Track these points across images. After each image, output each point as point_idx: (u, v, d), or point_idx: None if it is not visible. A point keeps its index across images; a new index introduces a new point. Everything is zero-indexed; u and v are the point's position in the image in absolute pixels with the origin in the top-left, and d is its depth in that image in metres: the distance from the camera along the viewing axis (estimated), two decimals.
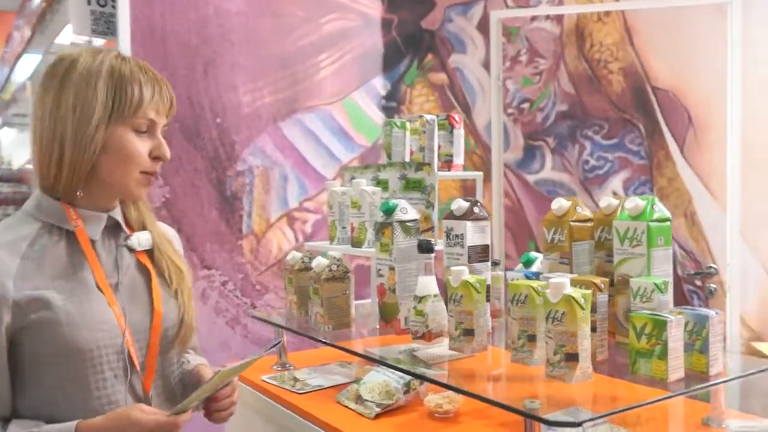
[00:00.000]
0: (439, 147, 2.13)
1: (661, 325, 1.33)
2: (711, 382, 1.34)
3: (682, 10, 3.01)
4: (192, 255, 3.08)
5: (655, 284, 1.41)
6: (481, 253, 1.74)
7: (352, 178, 2.18)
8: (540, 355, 1.43)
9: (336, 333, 1.88)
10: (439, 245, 1.81)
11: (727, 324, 2.86)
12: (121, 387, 1.21)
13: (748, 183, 2.87)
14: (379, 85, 3.57)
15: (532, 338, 1.46)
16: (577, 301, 1.32)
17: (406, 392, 1.77)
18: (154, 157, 1.25)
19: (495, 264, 1.88)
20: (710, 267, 3.03)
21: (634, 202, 1.51)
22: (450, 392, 1.72)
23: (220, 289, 3.20)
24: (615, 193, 3.14)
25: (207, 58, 3.16)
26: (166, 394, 1.30)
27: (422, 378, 1.57)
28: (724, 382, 1.36)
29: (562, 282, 1.34)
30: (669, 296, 1.44)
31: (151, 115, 1.23)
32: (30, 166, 4.75)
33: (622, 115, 3.17)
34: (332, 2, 3.45)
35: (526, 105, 3.33)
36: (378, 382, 1.79)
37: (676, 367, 1.34)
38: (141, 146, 1.23)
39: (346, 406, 1.78)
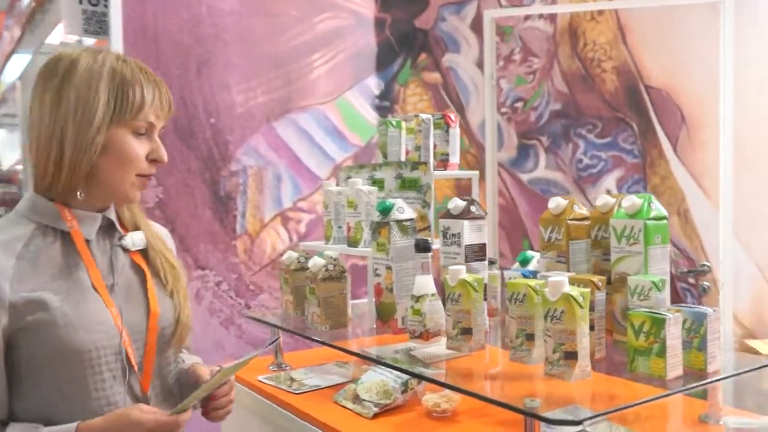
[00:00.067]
0: (435, 146, 2.13)
1: (659, 323, 1.33)
2: (710, 380, 1.34)
3: (675, 9, 3.02)
4: (186, 255, 3.07)
5: (653, 282, 1.42)
6: (478, 252, 1.74)
7: (348, 177, 2.18)
8: (538, 353, 1.43)
9: (333, 333, 1.87)
10: (435, 244, 1.80)
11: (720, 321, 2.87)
12: (120, 388, 1.20)
13: (741, 181, 2.89)
14: (373, 84, 3.57)
15: (530, 337, 1.46)
16: (576, 300, 1.32)
17: (403, 392, 1.77)
18: (151, 160, 1.25)
19: (491, 263, 1.88)
20: (703, 265, 3.05)
21: (631, 201, 1.51)
22: (448, 391, 1.72)
23: (214, 290, 3.19)
24: (609, 192, 3.15)
25: (200, 57, 3.14)
26: (163, 394, 1.30)
27: (422, 378, 1.57)
28: (723, 379, 1.36)
29: (561, 280, 1.35)
30: (666, 294, 1.44)
31: (150, 118, 1.23)
32: (20, 167, 4.72)
33: (616, 113, 3.18)
34: (325, 1, 3.44)
35: (519, 104, 3.33)
36: (375, 381, 1.79)
37: (674, 364, 1.34)
38: (139, 149, 1.23)
39: (344, 406, 1.78)
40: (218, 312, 3.20)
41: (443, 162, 2.13)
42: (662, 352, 1.33)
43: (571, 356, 1.33)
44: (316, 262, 1.91)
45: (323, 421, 1.70)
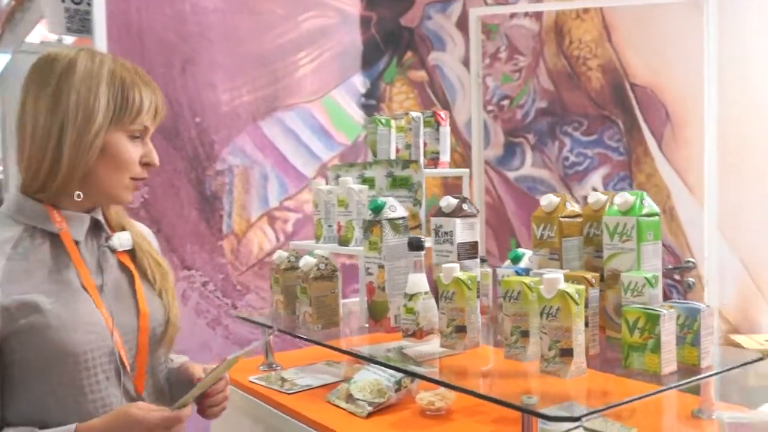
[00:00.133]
0: (425, 144, 2.13)
1: (654, 319, 1.34)
2: (705, 374, 1.35)
3: (659, 7, 3.04)
4: (172, 256, 3.04)
5: (647, 278, 1.42)
6: (470, 250, 1.74)
7: (337, 176, 2.17)
8: (533, 350, 1.44)
9: (325, 332, 1.87)
10: (427, 243, 1.80)
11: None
12: (114, 389, 1.19)
13: (725, 178, 2.92)
14: (359, 82, 3.56)
15: (525, 334, 1.46)
16: (571, 297, 1.33)
17: (397, 390, 1.76)
18: (144, 164, 1.25)
19: (482, 261, 1.88)
20: (688, 261, 3.07)
21: (624, 198, 1.51)
22: (442, 389, 1.72)
23: (200, 290, 3.16)
24: (595, 189, 3.17)
25: (185, 55, 3.12)
26: (156, 393, 1.29)
27: (420, 377, 1.56)
28: (717, 374, 1.37)
29: (556, 278, 1.35)
30: (659, 290, 1.45)
31: (147, 122, 1.24)
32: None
33: (601, 111, 3.20)
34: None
35: (506, 102, 3.34)
36: (369, 380, 1.78)
37: (668, 360, 1.35)
38: (134, 152, 1.22)
39: (338, 406, 1.77)
40: (205, 312, 3.17)
41: (433, 160, 2.13)
42: (657, 348, 1.34)
43: (567, 353, 1.33)
44: (307, 262, 1.90)
45: (318, 421, 1.69)
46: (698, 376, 1.35)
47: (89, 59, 1.19)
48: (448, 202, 1.73)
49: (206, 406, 1.30)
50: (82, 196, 1.21)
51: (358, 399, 1.74)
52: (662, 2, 3.01)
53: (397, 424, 1.67)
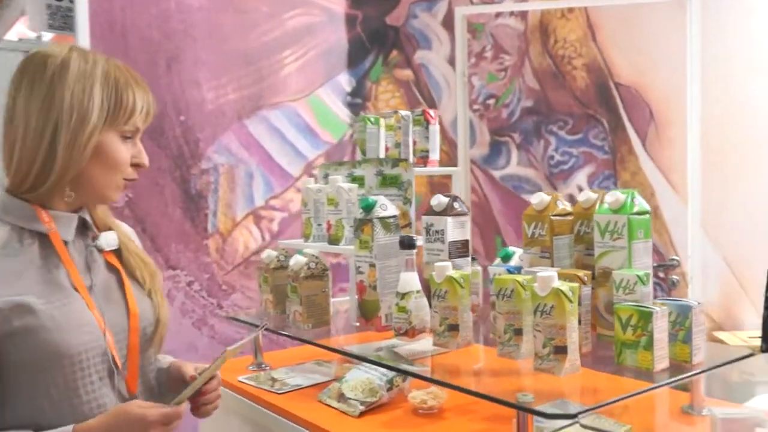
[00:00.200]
0: (415, 143, 2.13)
1: (646, 317, 1.35)
2: (697, 371, 1.37)
3: (643, 7, 3.07)
4: (156, 255, 3.02)
5: (638, 276, 1.43)
6: (461, 249, 1.74)
7: (326, 175, 2.16)
8: (527, 348, 1.44)
9: (316, 331, 1.86)
10: (418, 241, 1.80)
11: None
12: (108, 389, 1.18)
13: (709, 177, 2.95)
14: (344, 81, 3.55)
15: (518, 332, 1.46)
16: (565, 294, 1.33)
17: (389, 389, 1.76)
18: (134, 164, 1.25)
19: (472, 259, 1.89)
20: (672, 259, 3.10)
21: (615, 196, 1.52)
22: (434, 388, 1.72)
23: (185, 290, 3.14)
24: (580, 188, 3.19)
25: (169, 53, 3.09)
26: (146, 393, 1.28)
27: (414, 375, 1.56)
28: (710, 370, 1.38)
29: (550, 275, 1.35)
30: (650, 288, 1.46)
31: (139, 123, 1.23)
32: None
33: (586, 110, 3.22)
34: None
35: (491, 101, 3.35)
36: (361, 380, 1.78)
37: (661, 357, 1.36)
38: (126, 153, 1.22)
39: (329, 405, 1.76)
40: (190, 312, 3.15)
41: (423, 159, 2.13)
42: (649, 345, 1.35)
43: (561, 351, 1.34)
44: (297, 261, 1.89)
45: (309, 421, 1.68)
46: (691, 373, 1.36)
47: (82, 59, 1.18)
48: (439, 200, 1.73)
49: (200, 404, 1.30)
50: (73, 196, 1.20)
51: (350, 398, 1.74)
52: (646, 2, 3.04)
53: (390, 423, 1.67)
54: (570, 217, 1.66)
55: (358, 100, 3.55)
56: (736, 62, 2.93)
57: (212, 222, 3.20)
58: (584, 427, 1.49)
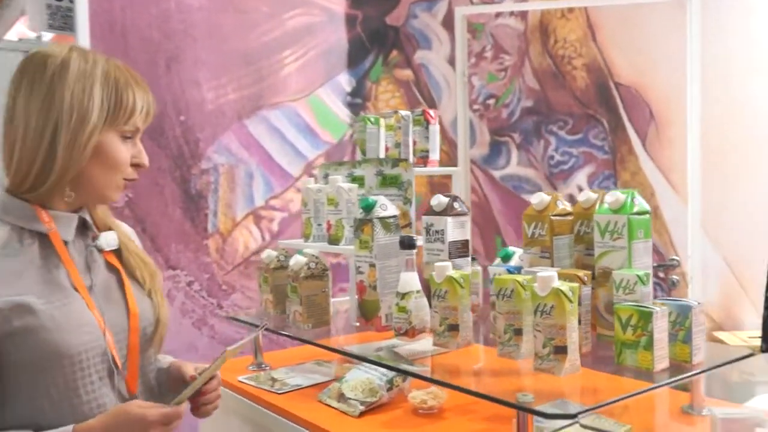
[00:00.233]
0: (415, 143, 2.13)
1: (646, 317, 1.35)
2: (697, 371, 1.37)
3: (643, 7, 3.07)
4: (156, 255, 3.02)
5: (638, 276, 1.43)
6: (461, 249, 1.74)
7: (326, 175, 2.16)
8: (527, 348, 1.44)
9: (316, 331, 1.86)
10: (418, 241, 1.80)
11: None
12: (108, 389, 1.18)
13: (709, 177, 2.95)
14: (344, 81, 3.55)
15: (518, 332, 1.46)
16: (565, 294, 1.33)
17: (389, 389, 1.76)
18: (134, 164, 1.25)
19: (472, 259, 1.89)
20: (672, 259, 3.10)
21: (615, 196, 1.52)
22: (434, 388, 1.72)
23: (185, 290, 3.14)
24: (580, 188, 3.19)
25: (169, 53, 3.09)
26: (146, 393, 1.28)
27: (414, 375, 1.56)
28: (710, 370, 1.38)
29: (550, 275, 1.35)
30: (650, 288, 1.46)
31: (139, 123, 1.23)
32: None
33: (586, 110, 3.22)
34: None
35: (491, 101, 3.35)
36: (361, 380, 1.78)
37: (661, 357, 1.36)
38: (126, 153, 1.22)
39: (329, 405, 1.76)
40: (190, 312, 3.15)
41: (423, 159, 2.13)
42: (650, 345, 1.35)
43: (561, 351, 1.34)
44: (297, 260, 1.89)
45: (309, 421, 1.68)
46: (691, 373, 1.36)
47: (82, 59, 1.18)
48: (439, 200, 1.73)
49: (200, 404, 1.30)
50: (73, 196, 1.20)
51: (350, 398, 1.74)
52: (646, 2, 3.04)
53: (390, 423, 1.67)
54: (570, 217, 1.66)
55: (358, 100, 3.55)
56: (736, 62, 2.93)
57: (212, 222, 3.20)
58: (584, 427, 1.49)
